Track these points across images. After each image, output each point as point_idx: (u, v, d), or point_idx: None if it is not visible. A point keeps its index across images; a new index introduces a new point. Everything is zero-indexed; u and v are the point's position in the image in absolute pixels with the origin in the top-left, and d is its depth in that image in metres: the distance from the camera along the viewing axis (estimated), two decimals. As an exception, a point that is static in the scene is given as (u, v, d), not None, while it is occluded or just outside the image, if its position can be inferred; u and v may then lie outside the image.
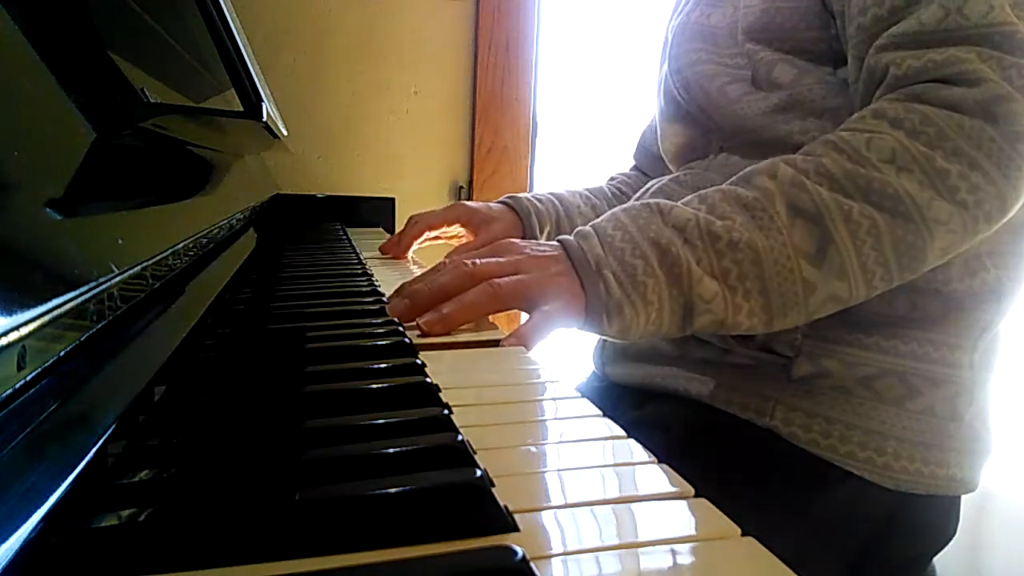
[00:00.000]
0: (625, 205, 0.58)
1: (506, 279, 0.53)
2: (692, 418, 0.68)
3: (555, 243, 0.57)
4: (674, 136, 0.80)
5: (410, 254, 0.93)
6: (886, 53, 0.57)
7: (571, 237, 0.57)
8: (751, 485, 0.62)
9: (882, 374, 0.62)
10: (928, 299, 0.62)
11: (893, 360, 0.62)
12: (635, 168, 1.02)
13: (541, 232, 0.87)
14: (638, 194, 0.80)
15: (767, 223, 0.54)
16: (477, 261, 0.55)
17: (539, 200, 0.89)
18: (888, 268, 0.54)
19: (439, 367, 0.43)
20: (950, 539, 0.67)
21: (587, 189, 0.96)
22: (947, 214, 0.53)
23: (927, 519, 0.65)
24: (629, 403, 0.74)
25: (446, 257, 0.62)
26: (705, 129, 0.75)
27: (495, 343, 0.52)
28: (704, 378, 0.68)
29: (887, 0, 0.58)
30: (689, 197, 0.58)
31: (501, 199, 0.91)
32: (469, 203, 0.90)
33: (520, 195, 0.90)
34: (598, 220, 0.58)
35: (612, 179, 1.00)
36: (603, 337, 0.57)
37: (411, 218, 0.92)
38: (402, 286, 0.57)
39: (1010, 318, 0.65)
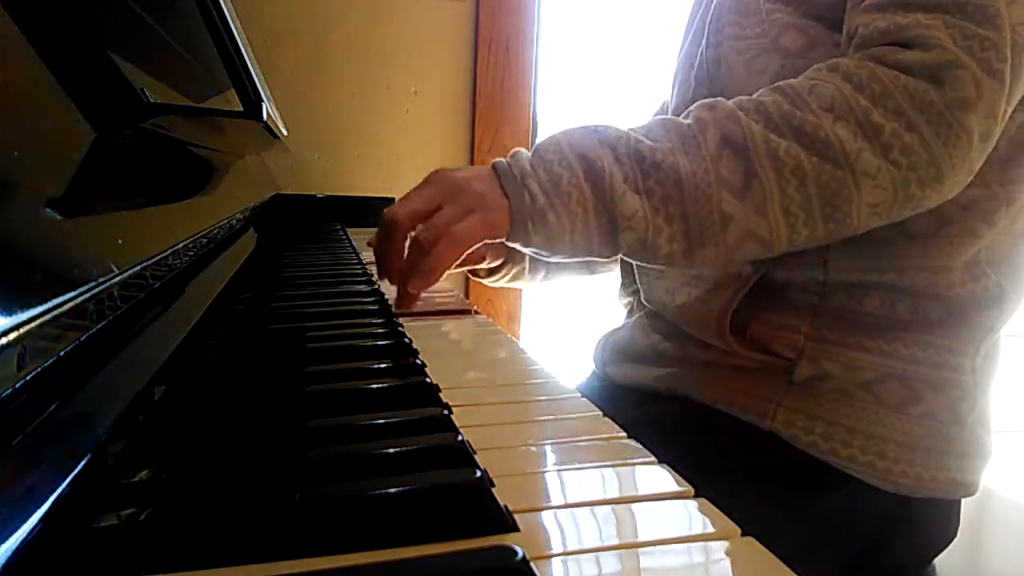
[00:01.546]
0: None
1: (428, 224, 0.55)
2: (693, 419, 0.67)
3: (487, 166, 0.58)
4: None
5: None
6: (863, 15, 0.58)
7: (502, 158, 0.58)
8: (751, 487, 0.62)
9: (884, 378, 0.61)
10: (929, 303, 0.61)
11: (895, 364, 0.61)
12: None
13: None
14: None
15: (694, 149, 0.54)
16: (399, 208, 0.57)
17: None
18: (811, 214, 0.53)
19: (439, 365, 0.43)
20: (950, 541, 0.67)
21: None
22: (876, 168, 0.52)
23: (928, 522, 0.65)
24: (629, 403, 0.74)
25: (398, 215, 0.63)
26: None
27: (466, 311, 0.53)
28: (706, 380, 0.68)
29: None
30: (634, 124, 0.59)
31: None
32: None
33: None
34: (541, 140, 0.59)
35: None
36: (532, 251, 0.58)
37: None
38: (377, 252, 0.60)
39: (1012, 323, 0.64)
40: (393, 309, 0.59)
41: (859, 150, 0.52)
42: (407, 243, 0.56)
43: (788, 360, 0.63)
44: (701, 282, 0.68)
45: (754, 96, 0.56)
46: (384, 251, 0.57)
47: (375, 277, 0.74)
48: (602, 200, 0.54)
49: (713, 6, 0.75)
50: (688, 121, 0.56)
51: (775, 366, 0.64)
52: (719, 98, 0.57)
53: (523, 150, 0.58)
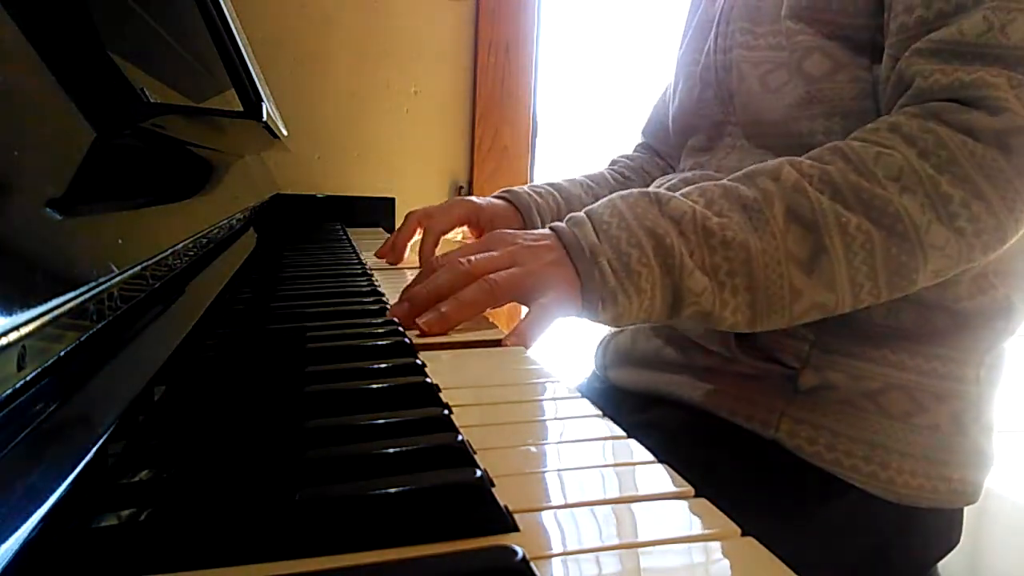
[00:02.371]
0: (622, 192, 0.58)
1: (501, 273, 0.53)
2: (695, 424, 0.67)
3: (547, 231, 0.57)
4: (691, 115, 0.78)
5: (407, 254, 0.89)
6: (919, 60, 0.56)
7: (564, 224, 0.56)
8: (753, 493, 0.61)
9: (888, 388, 0.61)
10: (936, 314, 0.61)
11: (900, 374, 0.61)
12: (643, 145, 0.99)
13: (543, 227, 0.86)
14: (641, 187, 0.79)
15: (763, 225, 0.54)
16: (472, 258, 0.55)
17: (538, 193, 0.88)
18: (877, 284, 0.54)
19: (439, 367, 0.43)
20: (953, 547, 0.67)
21: (587, 176, 0.93)
22: (944, 239, 0.52)
23: (930, 530, 0.65)
24: (631, 407, 0.73)
25: (440, 256, 0.62)
26: (721, 120, 0.73)
27: (496, 343, 0.52)
28: (708, 387, 0.67)
29: (934, 3, 0.56)
30: (689, 189, 0.57)
31: (498, 193, 0.88)
32: (474, 199, 0.86)
33: (519, 188, 0.88)
34: (593, 206, 0.57)
35: (613, 163, 0.97)
36: (594, 321, 0.56)
37: (410, 214, 0.87)
38: (403, 291, 0.57)
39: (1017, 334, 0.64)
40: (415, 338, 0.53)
41: (928, 223, 0.52)
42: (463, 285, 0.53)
43: (793, 369, 0.63)
44: None
45: (814, 160, 0.55)
46: (438, 287, 0.54)
47: (375, 278, 0.74)
48: (671, 278, 0.53)
49: (721, 6, 0.73)
50: (752, 193, 0.55)
51: (779, 375, 0.64)
52: (782, 162, 0.56)
53: (583, 219, 0.56)
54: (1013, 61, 0.53)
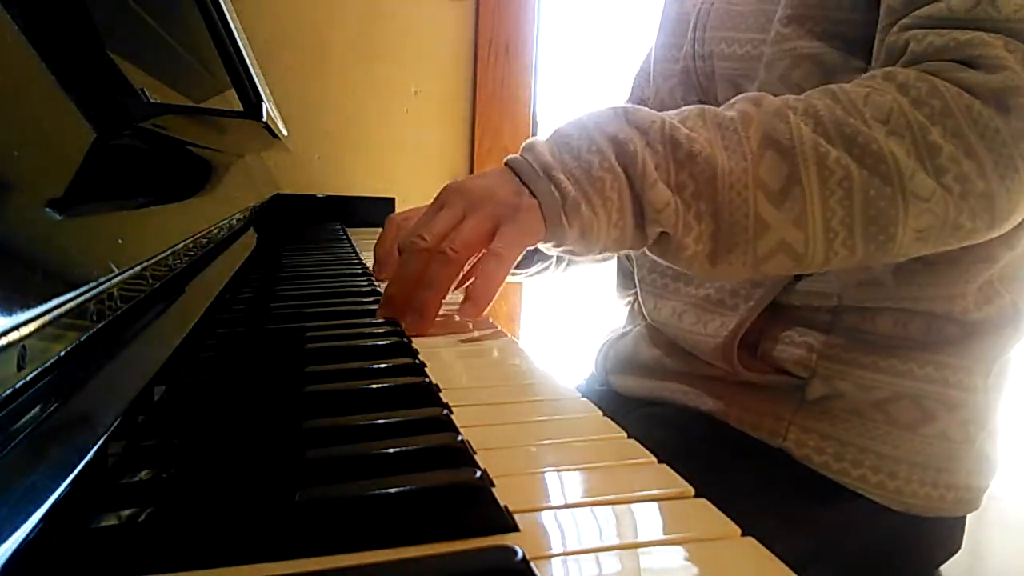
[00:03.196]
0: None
1: (454, 236, 0.50)
2: (700, 429, 0.66)
3: (501, 167, 0.54)
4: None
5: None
6: (908, 31, 0.54)
7: (516, 154, 0.53)
8: (756, 496, 0.61)
9: (897, 397, 0.60)
10: (944, 324, 0.60)
11: (908, 384, 0.60)
12: None
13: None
14: None
15: (734, 144, 0.50)
16: (426, 229, 0.51)
17: None
18: (852, 231, 0.50)
19: (439, 367, 0.43)
20: (955, 552, 0.67)
21: None
22: (929, 191, 0.49)
23: (934, 537, 0.65)
24: (632, 410, 0.73)
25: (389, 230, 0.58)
26: None
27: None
28: (713, 395, 0.66)
29: None
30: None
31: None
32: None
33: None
34: (560, 125, 0.54)
35: None
36: (566, 253, 0.53)
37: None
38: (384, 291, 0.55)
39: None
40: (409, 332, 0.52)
41: (913, 170, 0.49)
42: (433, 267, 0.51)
43: (800, 379, 0.62)
44: (709, 304, 0.66)
45: (803, 95, 0.53)
46: (403, 278, 0.52)
47: (375, 278, 0.74)
48: (632, 189, 0.50)
49: (697, 7, 0.71)
50: (731, 113, 0.52)
51: (787, 384, 0.63)
52: (765, 94, 0.53)
53: (539, 140, 0.53)
54: (1006, 31, 0.51)
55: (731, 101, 0.54)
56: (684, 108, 0.54)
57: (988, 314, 0.61)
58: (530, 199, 0.50)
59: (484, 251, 0.51)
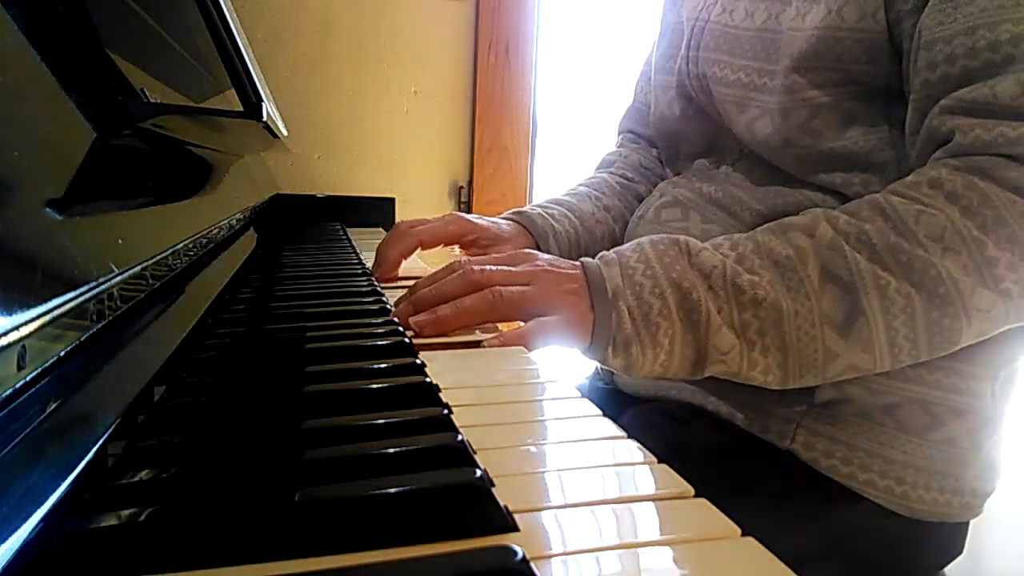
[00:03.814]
0: (652, 237, 0.56)
1: (511, 288, 0.52)
2: (707, 427, 0.66)
3: (576, 263, 0.56)
4: (677, 122, 0.75)
5: (401, 271, 0.78)
6: (952, 117, 0.54)
7: (594, 260, 0.55)
8: (760, 495, 0.61)
9: (906, 402, 0.60)
10: None
11: (918, 389, 0.60)
12: (628, 135, 0.95)
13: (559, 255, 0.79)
14: (652, 201, 0.75)
15: (796, 285, 0.52)
16: (488, 268, 0.54)
17: (552, 216, 0.80)
18: (917, 346, 0.52)
19: (439, 367, 0.43)
20: (957, 556, 0.67)
21: (589, 187, 0.87)
22: (989, 303, 0.51)
23: (937, 541, 0.65)
24: (636, 408, 0.72)
25: (458, 260, 0.60)
26: (714, 133, 0.72)
27: (478, 343, 0.52)
28: (721, 396, 0.66)
29: (959, 60, 0.53)
30: (720, 240, 0.56)
31: (509, 214, 0.80)
32: (474, 218, 0.77)
33: (531, 210, 0.80)
34: (623, 247, 0.56)
35: (608, 165, 0.92)
36: (602, 365, 0.55)
37: (399, 225, 0.77)
38: (411, 288, 0.57)
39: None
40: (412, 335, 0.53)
41: (973, 285, 0.50)
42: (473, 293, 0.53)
43: None
44: None
45: (852, 215, 0.54)
46: (442, 292, 0.53)
47: (375, 278, 0.74)
48: (695, 334, 0.52)
49: (692, 23, 0.70)
50: (786, 251, 0.53)
51: (796, 387, 0.63)
52: (817, 217, 0.54)
53: (613, 257, 0.55)
54: None
55: (781, 228, 0.55)
56: (738, 240, 0.55)
57: None
58: (589, 312, 0.52)
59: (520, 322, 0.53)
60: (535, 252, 0.57)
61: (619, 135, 0.98)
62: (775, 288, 0.52)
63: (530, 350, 0.51)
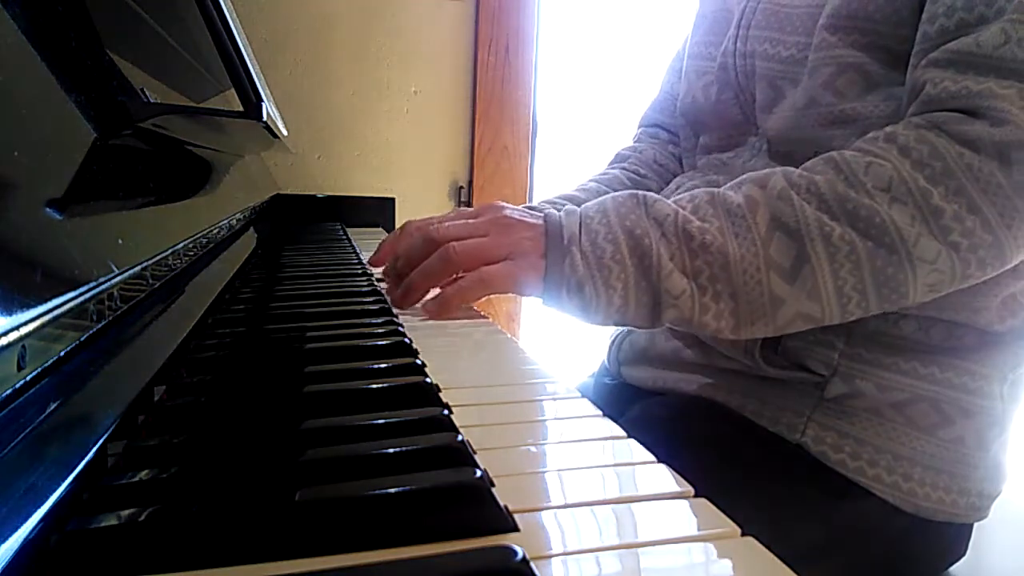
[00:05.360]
0: (616, 192, 0.58)
1: (466, 242, 0.54)
2: (714, 415, 0.66)
3: (540, 213, 0.57)
4: (707, 114, 0.76)
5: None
6: (932, 69, 0.55)
7: (557, 211, 0.57)
8: (768, 488, 0.61)
9: (916, 400, 0.61)
10: (966, 332, 0.61)
11: (928, 387, 0.61)
12: (647, 133, 0.95)
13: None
14: (667, 193, 0.76)
15: (744, 231, 0.53)
16: (447, 224, 0.55)
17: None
18: (865, 295, 0.53)
19: (439, 367, 0.43)
20: (959, 558, 0.67)
21: (600, 182, 0.87)
22: (934, 253, 0.51)
23: (941, 542, 0.65)
24: (645, 401, 0.72)
25: (410, 221, 0.62)
26: (740, 122, 0.72)
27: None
28: (732, 388, 0.66)
29: (956, 12, 0.54)
30: (682, 195, 0.57)
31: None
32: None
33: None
34: (589, 202, 0.58)
35: (622, 160, 0.92)
36: (560, 310, 0.56)
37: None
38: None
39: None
40: (393, 308, 0.59)
41: (917, 235, 0.51)
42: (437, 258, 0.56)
43: (821, 376, 0.63)
44: None
45: (806, 169, 0.55)
46: (408, 257, 0.57)
47: (375, 277, 0.74)
48: (648, 279, 0.53)
49: (743, 6, 0.71)
50: (738, 199, 0.55)
51: (807, 381, 0.63)
52: (773, 171, 0.55)
53: (578, 210, 0.57)
54: (1020, 77, 0.51)
55: (738, 182, 0.57)
56: (695, 194, 0.57)
57: (1012, 327, 0.61)
58: (541, 259, 0.54)
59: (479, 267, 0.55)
60: (503, 204, 0.59)
61: (639, 128, 0.97)
62: (723, 234, 0.53)
63: (468, 302, 0.54)
